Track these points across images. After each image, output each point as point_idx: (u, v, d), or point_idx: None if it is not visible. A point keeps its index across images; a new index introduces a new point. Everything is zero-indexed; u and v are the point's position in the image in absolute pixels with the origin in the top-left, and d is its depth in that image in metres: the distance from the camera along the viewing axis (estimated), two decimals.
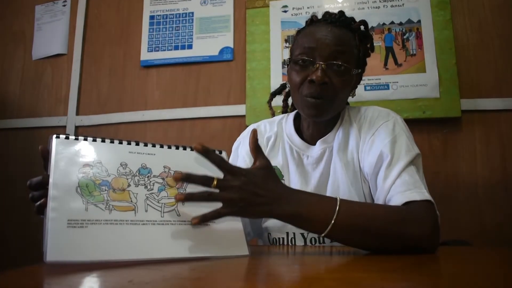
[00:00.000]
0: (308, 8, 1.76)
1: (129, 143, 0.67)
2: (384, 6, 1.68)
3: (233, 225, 0.68)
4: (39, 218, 0.60)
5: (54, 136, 0.62)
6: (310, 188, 0.92)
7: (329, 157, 0.93)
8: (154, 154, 0.68)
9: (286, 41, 1.75)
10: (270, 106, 1.13)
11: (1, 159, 1.99)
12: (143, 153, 0.67)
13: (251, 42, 1.78)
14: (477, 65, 1.60)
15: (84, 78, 1.98)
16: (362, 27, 0.94)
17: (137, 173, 0.64)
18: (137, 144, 0.67)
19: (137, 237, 0.59)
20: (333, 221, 0.65)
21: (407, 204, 0.74)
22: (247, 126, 1.15)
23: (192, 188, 0.64)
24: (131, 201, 0.61)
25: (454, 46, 1.59)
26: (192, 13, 1.90)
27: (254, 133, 0.70)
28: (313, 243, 0.90)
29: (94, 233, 0.56)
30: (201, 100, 1.83)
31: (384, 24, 1.67)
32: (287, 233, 0.92)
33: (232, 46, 1.83)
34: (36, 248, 0.72)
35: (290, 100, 1.09)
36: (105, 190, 0.60)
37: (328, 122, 0.95)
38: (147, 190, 0.64)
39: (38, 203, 0.60)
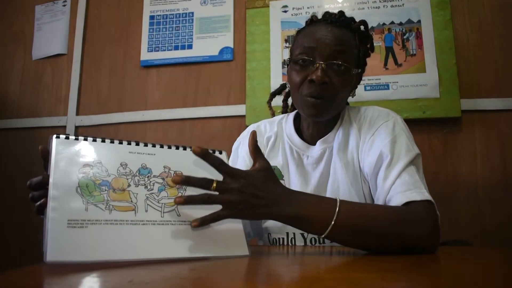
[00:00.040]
0: (308, 8, 1.76)
1: (129, 143, 0.66)
2: (384, 6, 1.68)
3: (233, 225, 0.68)
4: (39, 218, 0.60)
5: (54, 136, 0.62)
6: (310, 188, 0.92)
7: (329, 157, 0.93)
8: (154, 154, 0.68)
9: (286, 41, 1.75)
10: (270, 106, 1.13)
11: (1, 159, 1.99)
12: (143, 153, 0.67)
13: (251, 42, 1.78)
14: (477, 65, 1.60)
15: (84, 78, 1.98)
16: (362, 27, 0.94)
17: (137, 173, 0.64)
18: (137, 144, 0.67)
19: (137, 237, 0.59)
20: (333, 222, 0.65)
21: (407, 204, 0.74)
22: (247, 126, 1.15)
23: (192, 189, 0.64)
24: (131, 201, 0.61)
25: (454, 46, 1.59)
26: (192, 13, 1.90)
27: (254, 135, 0.70)
28: (313, 243, 0.90)
29: (94, 233, 0.56)
30: (201, 100, 1.84)
31: (384, 24, 1.67)
32: (287, 234, 0.92)
33: (232, 46, 1.83)
34: (36, 248, 0.72)
35: (289, 100, 1.09)
36: (105, 190, 0.60)
37: (328, 122, 0.95)
38: (147, 190, 0.64)
39: (38, 203, 0.60)
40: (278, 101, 1.13)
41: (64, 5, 2.05)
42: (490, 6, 1.62)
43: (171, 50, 1.88)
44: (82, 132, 1.92)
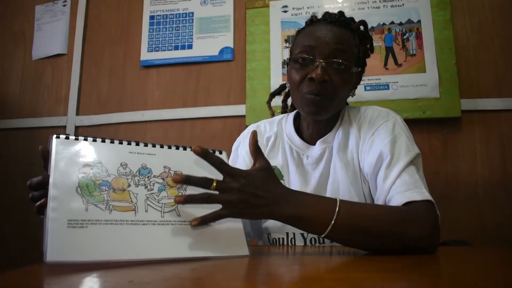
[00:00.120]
0: (308, 8, 1.76)
1: (129, 143, 0.67)
2: (384, 6, 1.68)
3: (233, 225, 0.68)
4: (39, 218, 0.60)
5: (54, 136, 0.62)
6: (310, 188, 0.92)
7: (329, 157, 0.93)
8: (154, 154, 0.68)
9: (286, 41, 1.75)
10: (269, 107, 1.13)
11: (1, 159, 1.99)
12: (143, 153, 0.67)
13: (251, 42, 1.78)
14: (477, 65, 1.60)
15: (84, 78, 1.98)
16: (361, 27, 0.94)
17: (137, 173, 0.64)
18: (137, 144, 0.67)
19: (137, 237, 0.59)
20: (333, 222, 0.65)
21: (407, 204, 0.74)
22: (247, 126, 1.15)
23: (192, 189, 0.64)
24: (131, 201, 0.61)
25: (454, 46, 1.59)
26: (192, 13, 1.90)
27: (254, 134, 0.70)
28: (313, 243, 0.90)
29: (94, 233, 0.56)
30: (201, 100, 1.84)
31: (384, 24, 1.67)
32: (287, 234, 0.92)
33: (232, 46, 1.83)
34: (36, 248, 0.72)
35: (289, 101, 1.09)
36: (105, 190, 0.60)
37: (328, 122, 0.95)
38: (147, 190, 0.64)
39: (38, 203, 0.60)
40: (277, 101, 1.13)
41: (64, 5, 2.05)
42: (490, 6, 1.62)
43: (171, 50, 1.88)
44: (82, 132, 1.92)
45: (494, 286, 0.43)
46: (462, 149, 1.56)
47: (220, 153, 0.72)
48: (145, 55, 1.91)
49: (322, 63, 0.85)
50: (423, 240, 0.69)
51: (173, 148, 0.70)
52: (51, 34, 2.03)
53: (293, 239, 0.92)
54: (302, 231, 0.90)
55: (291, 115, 1.03)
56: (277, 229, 0.93)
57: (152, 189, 0.64)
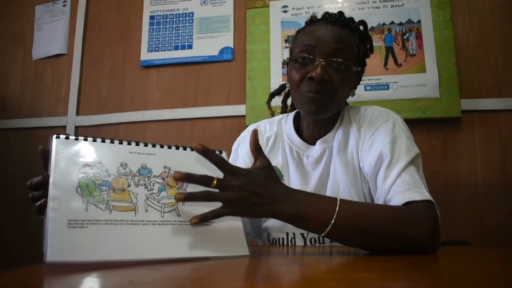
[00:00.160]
0: (308, 8, 1.76)
1: (129, 143, 0.66)
2: (384, 6, 1.68)
3: (233, 225, 0.68)
4: (39, 218, 0.60)
5: (54, 136, 0.62)
6: (309, 188, 0.92)
7: (329, 157, 0.93)
8: (154, 154, 0.68)
9: (286, 41, 1.75)
10: (269, 107, 1.13)
11: (1, 159, 1.99)
12: (143, 153, 0.67)
13: (251, 42, 1.78)
14: (477, 65, 1.60)
15: (84, 78, 1.98)
16: (361, 27, 0.94)
17: (137, 173, 0.64)
18: (137, 144, 0.67)
19: (137, 237, 0.59)
20: (333, 221, 0.65)
21: (407, 204, 0.74)
22: (247, 126, 1.15)
23: (192, 188, 0.64)
24: (131, 201, 0.61)
25: (454, 46, 1.59)
26: (192, 13, 1.90)
27: (255, 133, 0.70)
28: (313, 243, 0.90)
29: (94, 233, 0.56)
30: (201, 100, 1.84)
31: (384, 24, 1.67)
32: (287, 233, 0.92)
33: (232, 46, 1.83)
34: (36, 248, 0.72)
35: (289, 101, 1.09)
36: (105, 190, 0.60)
37: (328, 122, 0.95)
38: (147, 190, 0.64)
39: (38, 203, 0.60)
40: (277, 101, 1.13)
41: (64, 5, 2.05)
42: (490, 6, 1.62)
43: (171, 50, 1.88)
44: (82, 132, 1.92)
45: (494, 286, 0.43)
46: (462, 149, 1.56)
47: (220, 153, 0.72)
48: (145, 55, 1.91)
49: (322, 62, 0.85)
50: (423, 240, 0.69)
51: (173, 148, 0.70)
52: (51, 34, 2.03)
53: (293, 239, 0.92)
54: (302, 231, 0.90)
55: (291, 115, 1.03)
56: (277, 229, 0.93)
57: (152, 189, 0.64)
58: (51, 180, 0.57)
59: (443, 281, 0.47)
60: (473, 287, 0.41)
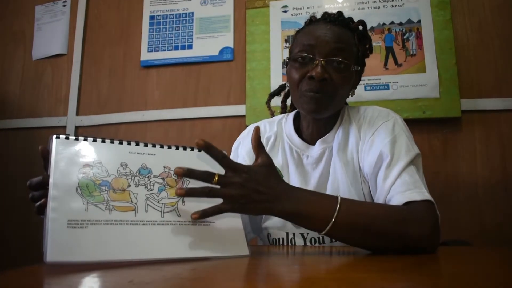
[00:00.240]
0: (308, 8, 1.76)
1: (129, 143, 0.66)
2: (384, 6, 1.68)
3: (233, 225, 0.68)
4: (39, 218, 0.60)
5: (54, 136, 0.62)
6: (309, 188, 0.92)
7: (328, 157, 0.93)
8: (154, 154, 0.68)
9: (286, 41, 1.75)
10: (268, 107, 1.13)
11: (1, 159, 1.99)
12: (143, 153, 0.67)
13: (251, 42, 1.78)
14: (477, 65, 1.60)
15: (84, 78, 1.98)
16: (360, 27, 0.94)
17: (137, 173, 0.64)
18: (137, 144, 0.67)
19: (137, 237, 0.59)
20: (333, 220, 0.65)
21: (407, 204, 0.74)
22: (247, 126, 1.15)
23: (193, 185, 0.64)
24: (131, 201, 0.61)
25: (454, 46, 1.59)
26: (192, 13, 1.90)
27: (257, 130, 0.70)
28: (313, 243, 0.90)
29: (94, 233, 0.56)
30: (201, 100, 1.84)
31: (384, 24, 1.67)
32: (287, 233, 0.92)
33: (232, 46, 1.83)
34: (36, 248, 0.72)
35: (288, 101, 1.09)
36: (105, 190, 0.60)
37: (328, 122, 0.95)
38: (147, 190, 0.64)
39: (38, 203, 0.60)
40: (277, 101, 1.14)
41: (64, 5, 2.05)
42: (490, 6, 1.62)
43: (171, 50, 1.88)
44: (82, 132, 1.92)
45: (494, 286, 0.43)
46: (462, 149, 1.56)
47: None
48: (145, 55, 1.91)
49: (322, 62, 0.85)
50: (423, 240, 0.69)
51: (173, 148, 0.70)
52: (51, 34, 2.03)
53: (293, 239, 0.92)
54: (302, 231, 0.90)
55: (291, 115, 1.03)
56: (277, 228, 0.93)
57: (152, 189, 0.64)
58: (51, 180, 0.57)
59: (443, 281, 0.47)
60: (473, 287, 0.41)
